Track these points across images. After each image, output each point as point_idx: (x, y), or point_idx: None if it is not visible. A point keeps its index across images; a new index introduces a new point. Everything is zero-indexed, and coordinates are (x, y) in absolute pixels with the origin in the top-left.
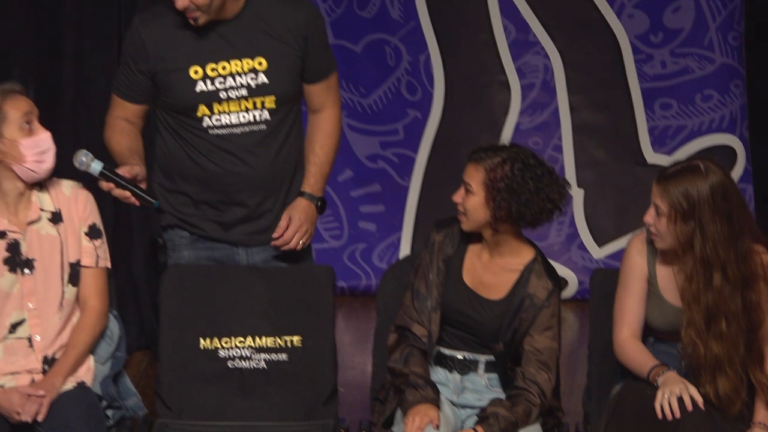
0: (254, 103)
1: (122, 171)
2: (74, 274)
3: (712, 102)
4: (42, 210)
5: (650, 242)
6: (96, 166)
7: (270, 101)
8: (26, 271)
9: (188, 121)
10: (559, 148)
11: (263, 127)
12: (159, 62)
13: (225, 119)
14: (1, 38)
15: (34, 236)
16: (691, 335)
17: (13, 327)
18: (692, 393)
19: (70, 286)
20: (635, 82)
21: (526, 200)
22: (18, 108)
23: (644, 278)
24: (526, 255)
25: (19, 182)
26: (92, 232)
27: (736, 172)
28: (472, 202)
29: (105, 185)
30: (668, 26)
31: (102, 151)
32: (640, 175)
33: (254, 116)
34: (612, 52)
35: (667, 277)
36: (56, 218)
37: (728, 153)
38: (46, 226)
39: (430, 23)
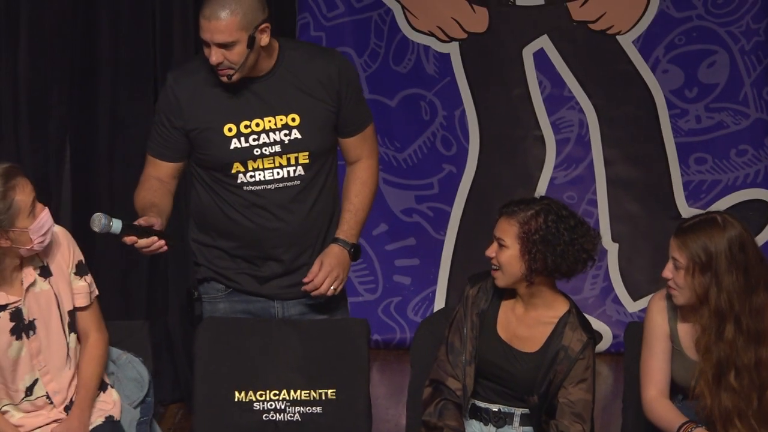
0: (288, 159)
1: (139, 222)
2: (73, 321)
3: (747, 157)
4: (33, 269)
5: (670, 299)
6: (117, 225)
7: (303, 157)
8: (31, 333)
9: (222, 178)
10: (593, 202)
11: (297, 182)
12: (193, 120)
13: (259, 176)
14: (36, 87)
15: (32, 297)
16: (701, 387)
17: (29, 389)
18: None
19: (72, 335)
20: (670, 137)
21: (562, 251)
22: (27, 194)
23: (666, 337)
24: (561, 307)
25: (17, 258)
26: (80, 270)
27: None
28: (507, 255)
29: (129, 240)
30: (703, 81)
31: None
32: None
33: (288, 172)
34: (647, 106)
35: (688, 334)
36: (45, 272)
37: (762, 208)
38: (39, 283)
39: (465, 78)
